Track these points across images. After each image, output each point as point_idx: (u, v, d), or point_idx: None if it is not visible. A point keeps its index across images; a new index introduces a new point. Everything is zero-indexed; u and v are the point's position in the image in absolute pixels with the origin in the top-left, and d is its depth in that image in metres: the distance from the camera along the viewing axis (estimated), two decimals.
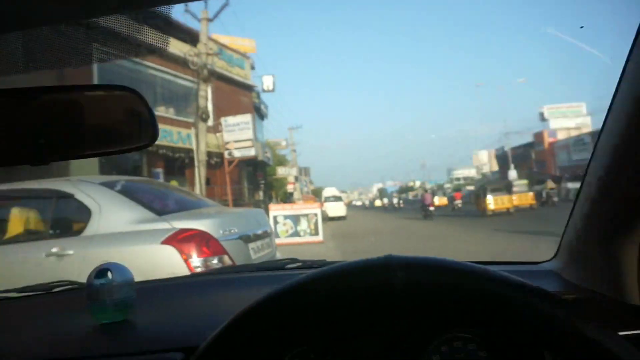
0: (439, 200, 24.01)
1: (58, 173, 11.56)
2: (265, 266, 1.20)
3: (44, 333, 0.84)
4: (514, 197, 17.33)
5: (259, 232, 3.76)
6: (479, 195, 18.85)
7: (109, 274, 0.80)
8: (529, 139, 48.45)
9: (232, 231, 3.33)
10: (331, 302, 0.45)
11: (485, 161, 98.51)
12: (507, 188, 17.86)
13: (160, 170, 14.77)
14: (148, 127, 0.49)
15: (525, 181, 18.80)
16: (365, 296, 0.44)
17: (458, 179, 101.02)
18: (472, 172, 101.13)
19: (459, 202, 23.62)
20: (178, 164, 15.32)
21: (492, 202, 16.75)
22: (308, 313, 0.45)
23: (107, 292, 0.79)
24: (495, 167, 62.65)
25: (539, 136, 46.13)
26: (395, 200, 35.33)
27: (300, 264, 1.21)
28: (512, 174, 33.56)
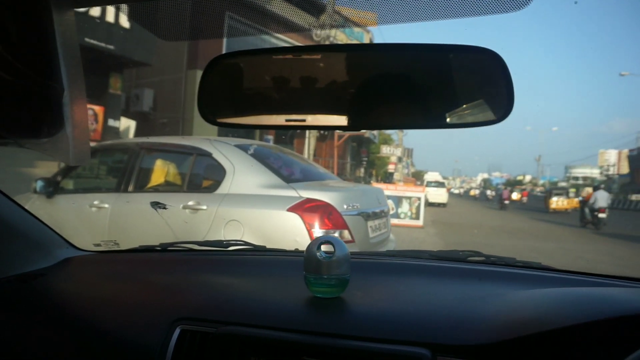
0: (516, 196, 29.25)
1: (183, 130, 12.53)
2: (445, 255, 1.10)
3: (255, 295, 0.83)
4: (566, 201, 22.21)
5: (378, 210, 3.67)
6: (546, 196, 23.91)
7: (329, 247, 0.75)
8: None
9: (355, 206, 3.29)
10: None
11: (612, 162, 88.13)
12: (566, 193, 23.72)
13: (271, 137, 15.39)
14: (503, 97, 0.39)
15: (574, 189, 24.94)
16: None
17: (576, 178, 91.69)
18: (594, 173, 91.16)
19: (525, 198, 30.55)
20: (290, 132, 15.84)
21: (554, 202, 21.87)
22: None
23: (328, 266, 0.75)
24: (626, 170, 55.67)
25: None
26: (488, 192, 41.76)
27: (484, 258, 1.09)
28: None
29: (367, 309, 0.75)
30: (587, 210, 13.86)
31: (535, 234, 12.10)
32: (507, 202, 22.63)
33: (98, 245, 3.38)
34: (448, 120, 0.41)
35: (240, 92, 0.51)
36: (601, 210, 13.15)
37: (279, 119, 0.45)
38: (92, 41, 8.63)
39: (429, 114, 0.40)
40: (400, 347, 0.63)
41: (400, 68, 0.40)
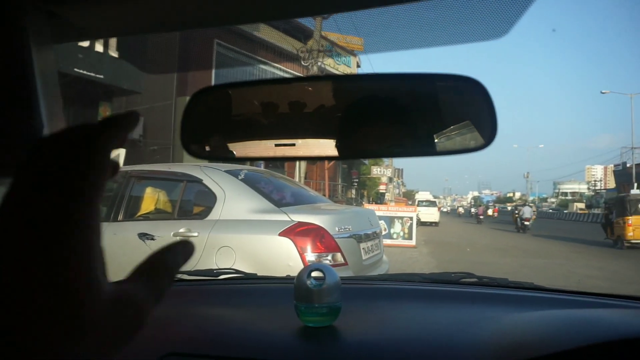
0: (491, 212, 35.73)
1: (173, 157, 12.47)
2: (438, 278, 1.10)
3: (246, 327, 0.81)
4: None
5: (370, 232, 3.67)
6: (513, 212, 27.68)
7: (319, 274, 0.74)
8: None
9: (347, 229, 3.28)
10: None
11: (599, 177, 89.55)
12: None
13: (262, 161, 15.38)
14: (486, 126, 0.39)
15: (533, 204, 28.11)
16: None
17: (565, 194, 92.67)
18: (582, 188, 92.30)
19: (496, 214, 37.19)
20: None
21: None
22: None
23: (319, 294, 0.73)
24: (612, 184, 56.57)
25: None
26: (472, 210, 49.55)
27: (476, 279, 1.09)
28: (635, 193, 29.80)
29: (359, 338, 0.73)
30: (519, 220, 20.04)
31: (524, 249, 12.16)
32: (481, 217, 28.64)
33: None
34: (433, 148, 0.41)
35: (225, 125, 0.50)
36: (526, 219, 19.50)
37: (266, 151, 0.45)
38: (80, 71, 8.67)
39: (411, 142, 0.40)
40: None
41: (382, 98, 0.40)
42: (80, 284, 0.21)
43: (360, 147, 0.40)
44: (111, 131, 0.27)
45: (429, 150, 0.41)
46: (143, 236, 3.28)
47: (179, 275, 1.15)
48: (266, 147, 0.43)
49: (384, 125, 0.40)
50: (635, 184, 32.69)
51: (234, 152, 0.44)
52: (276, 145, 0.42)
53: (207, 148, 0.49)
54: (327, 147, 0.40)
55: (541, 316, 0.72)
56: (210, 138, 0.49)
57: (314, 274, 0.75)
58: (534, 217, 27.79)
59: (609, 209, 14.32)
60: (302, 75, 13.73)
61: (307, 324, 0.76)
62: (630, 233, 12.01)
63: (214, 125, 0.50)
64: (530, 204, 24.94)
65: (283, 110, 0.43)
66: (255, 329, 0.79)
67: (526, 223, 19.39)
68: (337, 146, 0.40)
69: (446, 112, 0.41)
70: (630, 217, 12.23)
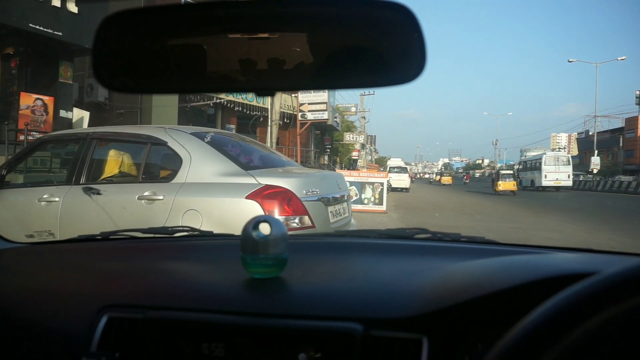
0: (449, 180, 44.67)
1: (141, 121, 12.13)
2: (392, 233, 1.11)
3: (191, 279, 0.80)
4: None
5: (338, 195, 3.69)
6: (493, 179, 32.92)
7: (265, 227, 0.74)
8: (619, 124, 44.48)
9: (314, 192, 3.29)
10: None
11: (563, 144, 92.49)
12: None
13: (233, 126, 15.17)
14: (415, 56, 0.38)
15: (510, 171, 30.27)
16: None
17: None
18: None
19: (467, 180, 47.93)
20: (251, 121, 15.66)
21: (500, 185, 26.72)
22: None
23: (264, 245, 0.73)
24: (575, 152, 58.68)
25: (631, 122, 42.05)
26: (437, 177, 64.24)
27: (430, 235, 1.11)
28: (596, 160, 31.11)
29: (304, 288, 0.74)
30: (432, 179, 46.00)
31: (488, 212, 12.59)
32: (413, 180, 36.67)
33: (31, 236, 3.23)
34: (358, 79, 0.39)
35: (144, 54, 0.46)
36: (435, 179, 41.61)
37: (185, 84, 0.42)
38: (36, 26, 8.15)
39: (336, 73, 0.39)
40: (332, 323, 0.62)
41: (305, 23, 0.38)
42: None
43: (282, 79, 0.38)
44: None
45: (351, 82, 0.40)
46: (88, 191, 3.23)
47: (132, 233, 1.13)
48: (190, 77, 0.40)
49: (302, 56, 0.38)
50: (596, 152, 34.04)
51: (156, 84, 0.41)
52: (198, 75, 0.40)
53: (126, 80, 0.46)
54: (245, 77, 0.38)
55: (483, 263, 0.75)
56: (129, 69, 0.45)
57: (261, 225, 0.74)
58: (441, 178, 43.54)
59: None
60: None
61: (253, 275, 0.76)
62: None
63: (132, 55, 0.46)
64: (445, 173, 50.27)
65: (207, 39, 0.40)
66: (200, 281, 0.79)
67: (431, 180, 36.77)
68: (258, 77, 0.38)
69: (373, 41, 0.39)
70: None
